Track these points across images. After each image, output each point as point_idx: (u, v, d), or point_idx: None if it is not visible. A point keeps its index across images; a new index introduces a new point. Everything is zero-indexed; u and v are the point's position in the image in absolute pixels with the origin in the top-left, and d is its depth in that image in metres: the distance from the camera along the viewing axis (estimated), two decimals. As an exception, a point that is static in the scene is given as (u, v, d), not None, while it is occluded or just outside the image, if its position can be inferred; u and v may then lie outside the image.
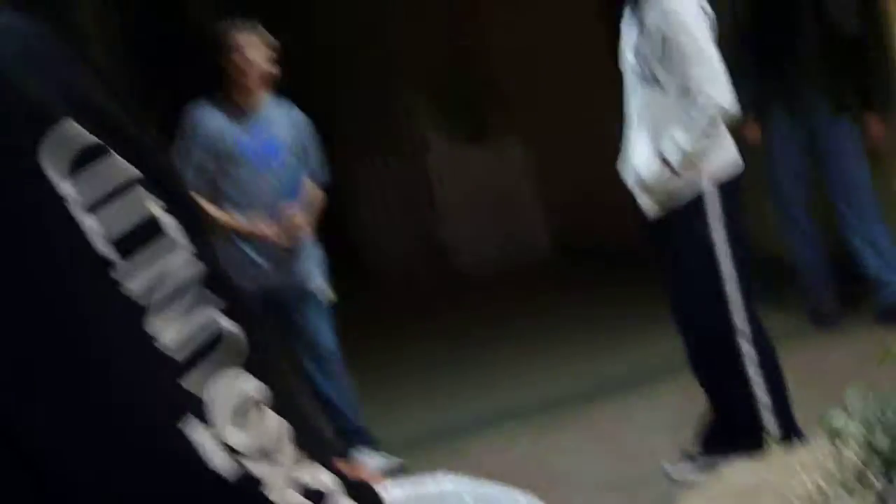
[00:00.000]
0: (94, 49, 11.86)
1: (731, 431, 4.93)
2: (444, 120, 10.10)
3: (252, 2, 6.02)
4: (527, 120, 9.84)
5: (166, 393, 0.92)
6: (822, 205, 6.74)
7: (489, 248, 9.78)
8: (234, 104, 5.48)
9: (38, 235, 0.92)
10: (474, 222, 9.84)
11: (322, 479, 1.00)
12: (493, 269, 9.64)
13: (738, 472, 4.48)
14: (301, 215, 5.49)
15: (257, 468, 0.94)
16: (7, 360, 0.91)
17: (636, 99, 4.87)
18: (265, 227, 5.38)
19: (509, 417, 6.34)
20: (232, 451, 0.93)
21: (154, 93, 11.64)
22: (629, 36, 4.90)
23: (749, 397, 4.86)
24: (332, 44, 9.20)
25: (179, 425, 0.92)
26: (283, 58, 5.51)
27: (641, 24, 4.78)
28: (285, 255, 5.48)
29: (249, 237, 5.40)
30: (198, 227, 0.99)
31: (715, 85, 4.68)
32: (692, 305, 4.91)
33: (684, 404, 5.38)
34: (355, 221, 9.35)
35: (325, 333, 5.65)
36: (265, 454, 0.95)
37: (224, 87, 5.50)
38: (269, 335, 1.03)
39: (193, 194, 4.69)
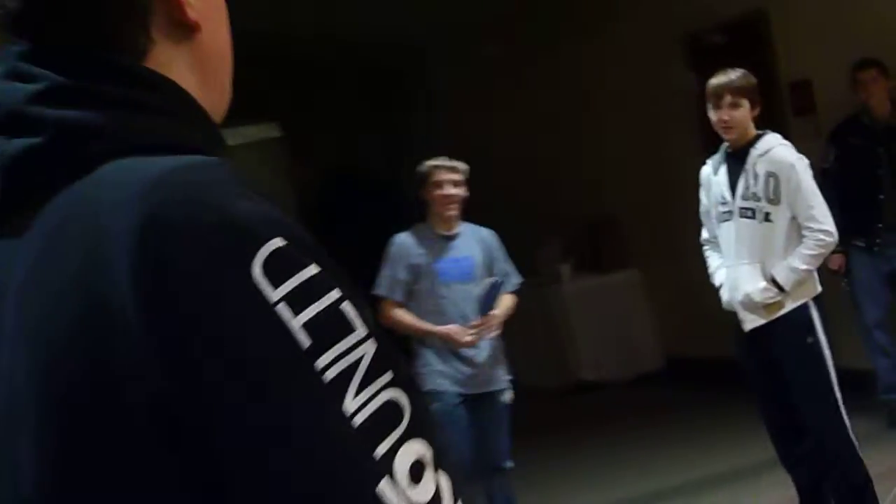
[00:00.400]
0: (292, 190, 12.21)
1: None
2: (572, 254, 10.19)
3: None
4: (641, 252, 9.87)
5: (365, 465, 0.94)
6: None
7: (610, 361, 9.75)
8: (433, 230, 5.41)
9: (254, 336, 0.94)
10: (597, 339, 9.82)
11: None
12: (612, 379, 9.62)
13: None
14: (492, 322, 5.31)
15: None
16: (237, 444, 0.93)
17: (740, 232, 4.91)
18: (460, 332, 5.22)
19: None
20: None
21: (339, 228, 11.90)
22: (726, 180, 4.96)
23: (866, 480, 4.86)
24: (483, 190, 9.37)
25: (377, 490, 0.94)
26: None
27: (747, 172, 4.85)
28: (488, 360, 5.33)
29: (448, 341, 5.23)
30: (366, 311, 1.00)
31: (826, 218, 4.78)
32: (806, 405, 4.89)
33: (782, 494, 5.32)
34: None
35: (503, 436, 5.41)
36: None
37: (424, 216, 5.46)
38: (425, 399, 1.02)
39: (399, 310, 4.71)
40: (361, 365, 0.96)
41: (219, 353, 0.93)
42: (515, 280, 5.55)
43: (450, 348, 5.28)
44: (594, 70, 9.82)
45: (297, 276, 0.96)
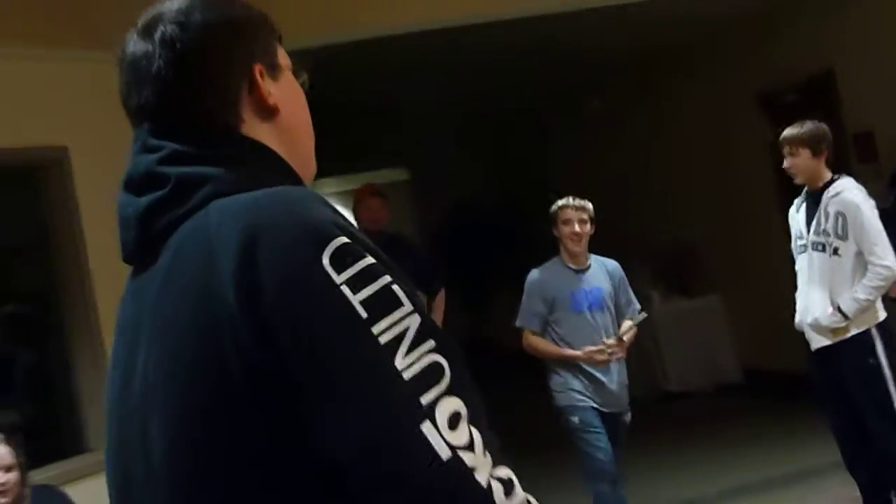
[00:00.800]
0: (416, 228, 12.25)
1: None
2: (660, 281, 10.07)
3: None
4: (722, 279, 9.77)
5: (411, 408, 1.03)
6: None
7: (693, 375, 9.61)
8: (564, 264, 5.19)
9: (324, 309, 1.05)
10: (683, 355, 9.69)
11: (506, 471, 1.08)
12: (696, 390, 9.49)
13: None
14: (621, 344, 5.09)
15: (467, 458, 1.04)
16: (318, 388, 1.03)
17: (812, 263, 4.86)
18: (594, 352, 5.00)
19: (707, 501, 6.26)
20: (451, 446, 1.03)
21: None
22: (804, 218, 4.90)
23: None
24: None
25: (420, 428, 1.02)
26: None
27: (820, 211, 4.78)
28: (616, 385, 5.09)
29: (583, 362, 5.02)
30: (413, 293, 1.10)
31: (888, 254, 4.70)
32: (870, 418, 4.79)
33: (848, 492, 5.17)
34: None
35: (621, 449, 5.17)
36: (470, 450, 1.04)
37: (557, 251, 5.23)
38: (465, 367, 1.10)
39: (538, 338, 4.48)
40: (409, 333, 1.06)
41: (296, 328, 1.04)
42: (637, 307, 5.36)
43: (583, 371, 5.09)
44: (680, 119, 9.87)
45: (356, 264, 1.07)
